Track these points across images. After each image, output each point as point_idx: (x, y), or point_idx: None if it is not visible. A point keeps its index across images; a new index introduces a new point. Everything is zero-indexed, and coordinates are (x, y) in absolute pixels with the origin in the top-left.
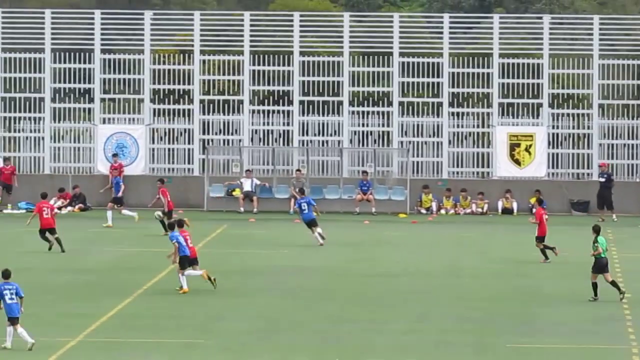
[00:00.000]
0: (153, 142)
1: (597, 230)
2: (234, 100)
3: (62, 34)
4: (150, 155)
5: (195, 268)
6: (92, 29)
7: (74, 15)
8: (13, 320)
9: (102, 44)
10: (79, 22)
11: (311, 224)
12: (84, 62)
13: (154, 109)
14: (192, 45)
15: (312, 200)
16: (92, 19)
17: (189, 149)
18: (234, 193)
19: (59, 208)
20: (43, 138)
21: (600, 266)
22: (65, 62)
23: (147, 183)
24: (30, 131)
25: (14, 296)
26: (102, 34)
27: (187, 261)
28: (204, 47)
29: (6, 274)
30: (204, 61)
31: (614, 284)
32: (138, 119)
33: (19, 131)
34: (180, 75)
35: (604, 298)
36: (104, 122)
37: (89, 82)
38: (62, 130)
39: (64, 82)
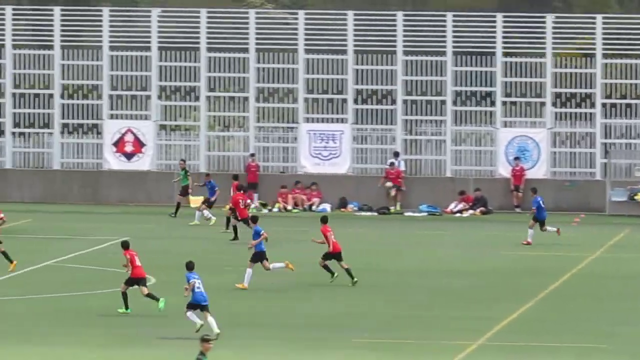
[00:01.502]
0: (554, 146)
1: None
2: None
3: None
4: (551, 159)
5: (342, 264)
6: (494, 32)
7: (476, 18)
8: (204, 307)
9: (503, 47)
10: (480, 25)
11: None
12: (484, 66)
13: (555, 113)
14: (594, 49)
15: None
16: (494, 21)
17: (590, 153)
18: (636, 197)
19: (460, 211)
20: (445, 141)
21: None
22: (466, 65)
23: (548, 187)
24: (432, 134)
25: (201, 285)
26: (503, 37)
27: (263, 257)
28: (606, 50)
29: (190, 266)
30: (606, 65)
31: None
32: (539, 122)
33: (421, 134)
34: (582, 78)
35: None
36: (505, 126)
37: (490, 85)
38: (463, 134)
39: (465, 85)
